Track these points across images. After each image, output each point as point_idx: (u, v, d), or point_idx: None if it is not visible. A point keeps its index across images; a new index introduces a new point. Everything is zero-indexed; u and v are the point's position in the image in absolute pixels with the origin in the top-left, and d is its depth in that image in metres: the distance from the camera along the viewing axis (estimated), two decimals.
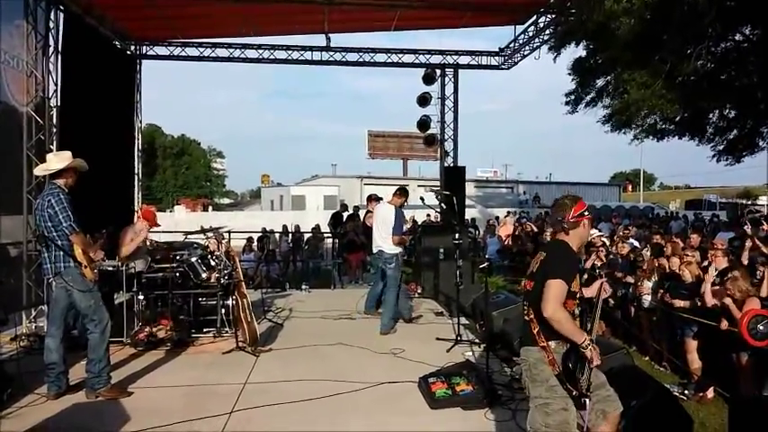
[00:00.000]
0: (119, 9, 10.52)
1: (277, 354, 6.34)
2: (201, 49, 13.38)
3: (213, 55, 13.49)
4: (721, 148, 22.81)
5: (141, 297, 6.70)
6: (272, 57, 13.64)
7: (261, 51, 13.57)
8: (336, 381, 5.30)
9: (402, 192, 7.78)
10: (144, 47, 13.12)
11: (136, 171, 12.63)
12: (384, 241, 7.51)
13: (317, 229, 16.73)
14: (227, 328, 6.85)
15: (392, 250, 7.49)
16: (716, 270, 6.32)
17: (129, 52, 12.76)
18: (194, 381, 5.35)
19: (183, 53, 13.38)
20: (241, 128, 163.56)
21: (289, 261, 15.39)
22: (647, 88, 19.32)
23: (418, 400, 4.91)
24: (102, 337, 4.86)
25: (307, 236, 16.93)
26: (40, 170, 5.26)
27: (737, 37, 19.73)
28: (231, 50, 13.49)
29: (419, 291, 10.39)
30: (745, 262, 7.00)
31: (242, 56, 13.58)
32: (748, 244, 7.22)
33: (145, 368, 5.73)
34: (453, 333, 6.87)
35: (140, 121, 13.13)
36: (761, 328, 2.27)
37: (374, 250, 7.78)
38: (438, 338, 6.91)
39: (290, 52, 13.61)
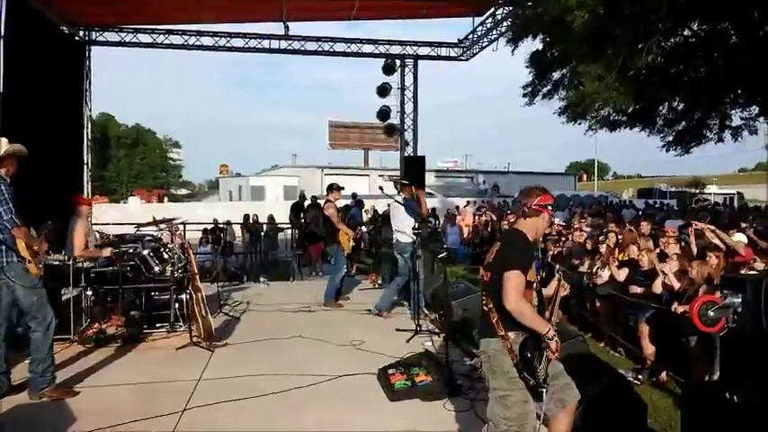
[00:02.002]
0: None
1: (233, 348, 6.21)
2: (155, 36, 13.01)
3: (167, 42, 13.13)
4: (670, 139, 23.58)
5: (90, 292, 6.44)
6: (228, 45, 13.36)
7: (217, 39, 13.27)
8: (294, 375, 5.21)
9: (403, 185, 8.08)
10: (94, 33, 12.68)
11: (85, 161, 12.21)
12: (397, 233, 7.74)
13: (271, 219, 16.52)
14: (180, 323, 6.66)
15: (405, 239, 7.61)
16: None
17: (77, 38, 12.30)
18: (145, 378, 5.18)
19: (135, 40, 12.99)
20: (199, 118, 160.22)
21: (247, 253, 15.15)
22: (601, 81, 19.72)
23: (377, 393, 4.87)
24: (46, 335, 4.63)
25: (265, 227, 16.68)
26: None
27: (686, 32, 20.33)
28: (186, 38, 13.15)
29: (379, 281, 10.36)
30: (695, 250, 7.19)
31: (197, 43, 13.26)
32: (692, 237, 7.40)
33: (93, 366, 5.51)
34: (413, 323, 6.86)
35: (90, 110, 12.68)
36: (711, 314, 2.31)
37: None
38: (398, 329, 6.89)
39: (247, 40, 13.35)
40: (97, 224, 7.13)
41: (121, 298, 6.56)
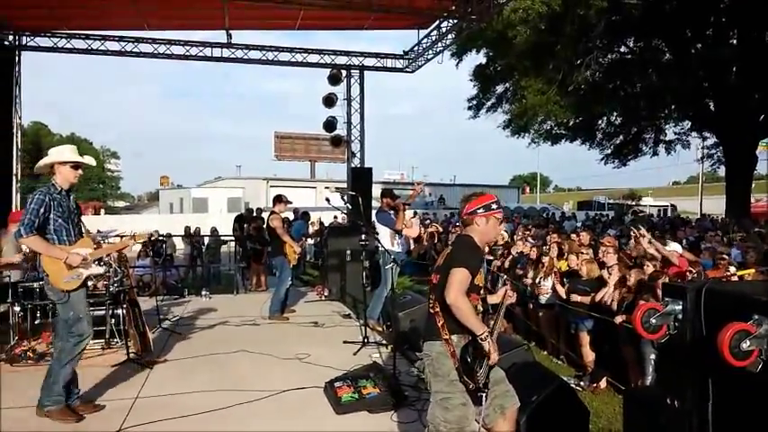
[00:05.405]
0: None
1: (173, 365, 5.95)
2: (90, 42, 12.54)
3: (103, 48, 12.68)
4: (609, 152, 24.52)
5: (18, 308, 6.08)
6: (168, 52, 13.01)
7: (156, 46, 12.91)
8: (237, 390, 5.03)
9: (383, 194, 7.68)
10: (24, 37, 12.12)
11: (14, 171, 11.62)
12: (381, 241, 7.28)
13: (214, 231, 16.13)
14: (117, 339, 6.36)
15: (386, 248, 7.17)
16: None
17: (6, 43, 11.74)
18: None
19: (69, 45, 12.49)
20: (139, 127, 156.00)
21: (189, 266, 14.70)
22: (543, 95, 20.36)
23: (324, 407, 4.76)
24: (74, 348, 4.42)
25: (207, 239, 16.26)
26: None
27: (623, 49, 21.26)
28: (123, 44, 12.74)
29: (326, 293, 10.24)
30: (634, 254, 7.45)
31: (135, 50, 12.86)
32: (633, 243, 7.67)
33: (22, 386, 5.17)
34: (360, 335, 6.79)
35: (20, 118, 12.10)
36: (653, 321, 2.35)
37: None
38: (345, 341, 6.79)
39: (188, 48, 13.04)
40: None
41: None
